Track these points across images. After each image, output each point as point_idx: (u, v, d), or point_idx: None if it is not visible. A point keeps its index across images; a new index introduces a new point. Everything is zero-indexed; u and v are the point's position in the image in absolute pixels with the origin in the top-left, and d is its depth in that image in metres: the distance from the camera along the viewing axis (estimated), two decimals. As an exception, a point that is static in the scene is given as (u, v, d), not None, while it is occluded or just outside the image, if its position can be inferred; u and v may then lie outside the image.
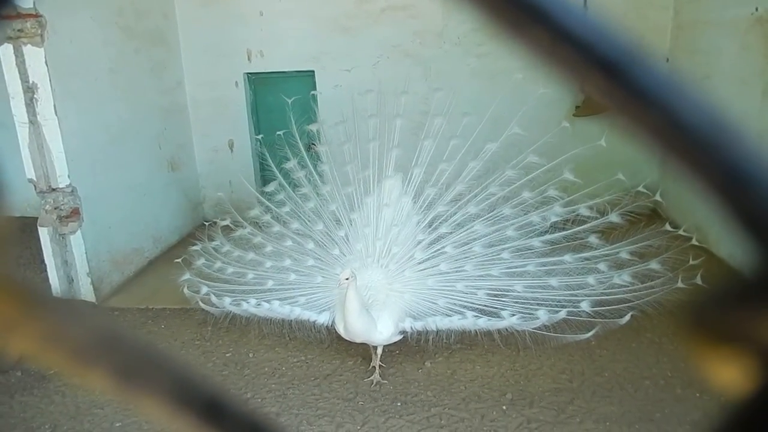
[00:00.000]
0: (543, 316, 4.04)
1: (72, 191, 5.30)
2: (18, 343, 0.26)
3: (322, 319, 4.21)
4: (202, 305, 4.70)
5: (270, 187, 5.24)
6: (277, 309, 4.25)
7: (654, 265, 4.19)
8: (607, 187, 4.46)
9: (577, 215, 4.49)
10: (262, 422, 0.30)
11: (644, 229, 4.30)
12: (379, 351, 4.17)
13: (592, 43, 0.21)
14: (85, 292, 5.51)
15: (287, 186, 5.11)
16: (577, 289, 4.24)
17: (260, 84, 7.62)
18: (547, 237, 4.45)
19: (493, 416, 3.75)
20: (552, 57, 0.21)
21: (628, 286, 4.19)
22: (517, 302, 4.19)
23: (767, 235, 0.20)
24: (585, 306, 4.12)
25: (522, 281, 4.30)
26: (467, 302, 4.21)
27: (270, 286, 4.57)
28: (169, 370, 0.29)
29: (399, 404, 3.93)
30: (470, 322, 4.06)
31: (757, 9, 5.02)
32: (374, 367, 4.18)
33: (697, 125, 0.23)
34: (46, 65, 4.99)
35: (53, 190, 5.25)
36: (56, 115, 5.10)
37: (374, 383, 4.11)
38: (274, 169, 5.28)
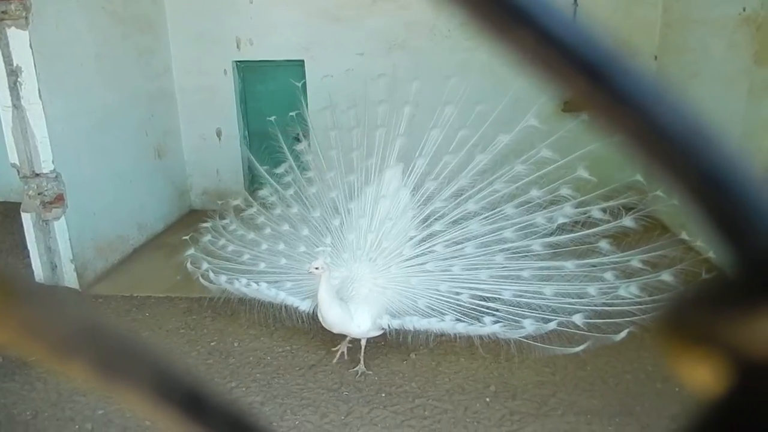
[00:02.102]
0: (529, 326, 3.84)
1: (56, 177, 5.24)
2: (-3, 334, 0.26)
3: (305, 306, 4.19)
4: (202, 281, 4.68)
5: (280, 169, 5.22)
6: (264, 291, 4.25)
7: (666, 276, 3.90)
8: (624, 188, 4.14)
9: (589, 217, 4.17)
10: (242, 414, 0.30)
11: (659, 237, 3.96)
12: (363, 342, 4.18)
13: (575, 46, 0.21)
14: (69, 278, 5.46)
15: (296, 168, 5.06)
16: (576, 299, 3.98)
17: (249, 72, 7.56)
18: (552, 239, 4.18)
19: (476, 408, 3.78)
20: (535, 59, 0.21)
21: (633, 299, 3.87)
22: (503, 309, 4.00)
23: (740, 240, 0.20)
24: (578, 319, 3.85)
25: (512, 287, 4.08)
26: (449, 305, 4.08)
27: (261, 268, 4.57)
28: (151, 361, 0.29)
29: (383, 395, 3.95)
30: (449, 325, 3.94)
31: (744, 9, 5.07)
32: (359, 358, 4.20)
33: (676, 129, 0.23)
34: (31, 48, 4.91)
35: (37, 175, 5.19)
36: (40, 99, 5.02)
37: (359, 374, 4.13)
38: (286, 151, 5.21)
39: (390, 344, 4.42)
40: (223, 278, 4.51)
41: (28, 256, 5.44)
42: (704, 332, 0.20)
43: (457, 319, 3.96)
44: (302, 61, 7.30)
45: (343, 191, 4.64)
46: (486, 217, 4.31)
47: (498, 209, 4.31)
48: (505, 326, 3.88)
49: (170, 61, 7.40)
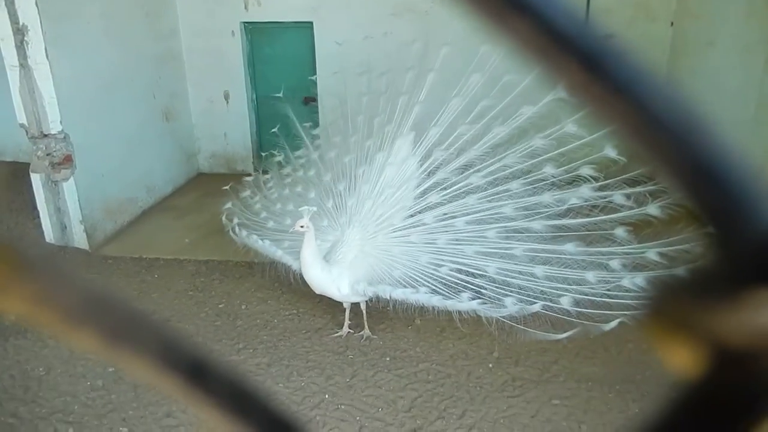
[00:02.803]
0: (511, 305, 3.68)
1: (64, 137, 5.25)
2: (7, 305, 0.27)
3: (296, 266, 4.18)
4: (231, 234, 4.68)
5: (317, 130, 5.19)
6: (267, 247, 4.28)
7: (681, 272, 3.61)
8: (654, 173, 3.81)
9: (609, 202, 3.86)
10: (245, 382, 0.31)
11: (684, 228, 3.50)
12: (363, 307, 4.21)
13: (571, 36, 0.21)
14: (78, 239, 5.52)
15: (327, 132, 5.01)
16: (572, 284, 3.76)
17: (257, 34, 7.47)
18: (560, 222, 3.91)
19: (479, 373, 3.85)
20: (531, 48, 0.21)
21: (637, 292, 3.61)
22: (488, 287, 3.83)
23: (729, 231, 0.21)
24: (566, 302, 3.65)
25: (498, 264, 3.88)
26: (426, 277, 3.94)
27: (270, 226, 4.61)
28: (156, 330, 0.30)
29: (388, 359, 4.02)
30: (423, 297, 3.80)
31: (765, -25, 4.92)
32: (363, 323, 4.25)
33: (669, 120, 0.23)
34: (37, 7, 4.86)
35: (45, 135, 5.20)
36: (47, 59, 5.00)
37: (365, 338, 4.20)
38: (299, 128, 5.13)
39: (395, 310, 4.47)
40: (244, 232, 4.51)
41: (38, 217, 5.51)
42: (685, 318, 0.20)
43: (434, 292, 3.84)
44: (311, 23, 7.19)
45: (357, 156, 4.57)
46: (487, 192, 4.10)
47: (503, 186, 4.09)
48: (484, 303, 3.73)
49: (177, 22, 7.31)
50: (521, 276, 3.84)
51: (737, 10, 5.34)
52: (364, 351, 4.10)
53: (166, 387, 0.30)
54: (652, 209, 3.71)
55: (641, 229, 3.74)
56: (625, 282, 3.68)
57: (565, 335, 3.62)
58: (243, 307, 4.66)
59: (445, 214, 4.13)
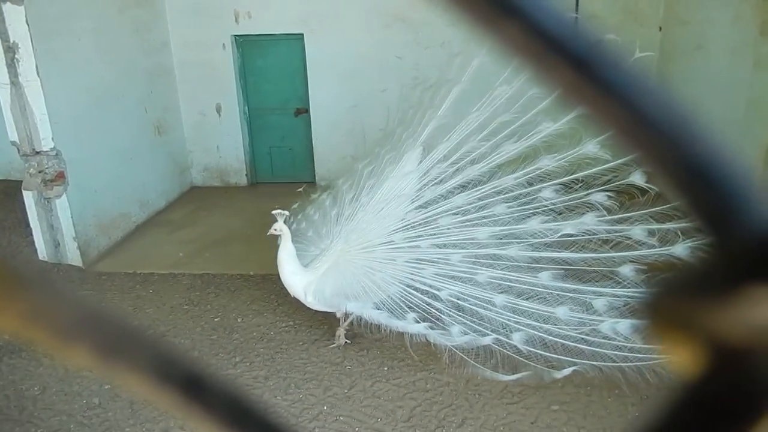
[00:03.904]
0: (457, 335, 3.47)
1: (56, 154, 5.24)
2: (1, 324, 0.27)
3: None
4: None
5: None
6: None
7: (678, 272, 3.21)
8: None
9: (627, 237, 3.33)
10: (241, 396, 0.31)
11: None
12: (341, 317, 4.15)
13: (561, 39, 0.21)
14: (72, 256, 5.49)
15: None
16: (537, 321, 3.40)
17: (248, 47, 7.49)
18: (555, 254, 3.52)
19: (477, 381, 3.83)
20: (523, 52, 0.22)
21: (617, 340, 3.20)
22: (443, 310, 3.62)
23: (721, 230, 0.21)
24: (517, 339, 3.36)
25: (456, 287, 3.63)
26: (377, 293, 3.81)
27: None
28: (150, 345, 0.30)
29: (386, 368, 4.00)
30: (373, 314, 3.72)
31: (751, -21, 4.99)
32: (342, 328, 4.18)
33: (662, 122, 0.23)
34: (27, 24, 4.86)
35: (37, 153, 5.18)
36: (38, 75, 4.99)
37: (334, 344, 4.18)
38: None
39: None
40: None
41: (31, 234, 5.48)
42: (682, 317, 0.20)
43: (377, 308, 3.74)
44: (302, 35, 7.23)
45: (374, 167, 4.32)
46: (466, 217, 3.78)
47: (488, 210, 3.74)
48: (432, 328, 3.55)
49: (168, 36, 7.33)
50: (483, 304, 3.57)
51: (724, 15, 5.40)
52: (361, 361, 4.09)
53: (162, 402, 0.30)
54: (680, 249, 3.17)
55: (658, 269, 3.23)
56: (604, 327, 3.27)
57: (510, 377, 3.41)
58: (239, 320, 4.63)
59: (414, 235, 3.89)
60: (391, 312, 3.74)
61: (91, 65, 5.72)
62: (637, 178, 3.28)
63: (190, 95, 7.59)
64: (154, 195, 6.86)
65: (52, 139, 5.18)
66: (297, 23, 7.16)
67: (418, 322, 3.61)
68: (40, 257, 5.45)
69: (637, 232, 3.32)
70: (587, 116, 0.24)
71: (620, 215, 3.37)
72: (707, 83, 5.56)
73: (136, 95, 6.55)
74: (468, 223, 3.79)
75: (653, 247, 3.26)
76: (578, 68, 0.22)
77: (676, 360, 0.21)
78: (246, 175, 7.92)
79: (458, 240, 3.79)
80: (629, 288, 3.30)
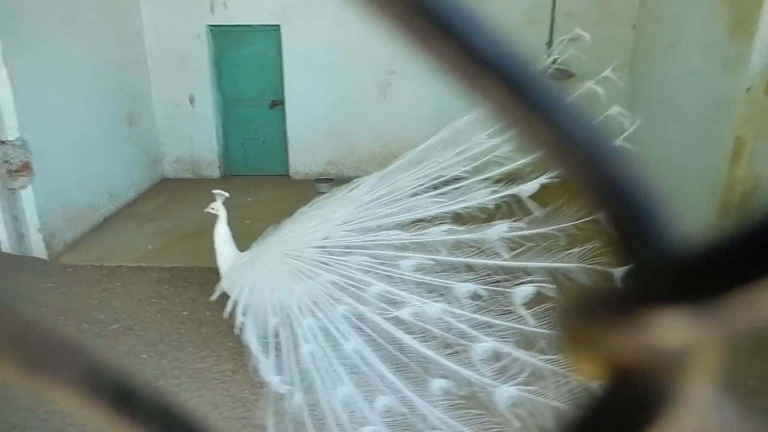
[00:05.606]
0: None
1: (22, 144, 5.11)
2: None
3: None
4: None
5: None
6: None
7: (590, 290, 2.19)
8: None
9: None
10: (173, 408, 0.31)
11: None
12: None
13: (494, 60, 0.22)
14: (36, 248, 5.37)
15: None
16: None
17: (223, 37, 7.40)
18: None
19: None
20: (457, 71, 0.22)
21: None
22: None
23: (633, 250, 0.21)
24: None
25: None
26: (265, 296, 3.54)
27: None
28: (80, 359, 0.30)
29: (355, 364, 4.01)
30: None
31: (721, -19, 5.10)
32: None
33: (582, 141, 0.24)
34: (-8, 10, 4.73)
35: (2, 143, 5.05)
36: (5, 64, 4.86)
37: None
38: None
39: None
40: None
41: (-6, 225, 5.34)
42: (590, 334, 0.21)
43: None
44: (278, 26, 7.17)
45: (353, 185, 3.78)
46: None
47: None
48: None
49: (142, 26, 7.20)
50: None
51: (697, 13, 5.51)
52: (332, 357, 4.08)
53: (92, 415, 0.30)
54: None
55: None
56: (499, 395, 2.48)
57: None
58: (207, 313, 4.59)
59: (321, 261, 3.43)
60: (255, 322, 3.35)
61: (61, 54, 5.59)
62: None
63: (164, 85, 7.47)
64: (123, 186, 6.75)
65: (18, 128, 5.05)
66: (274, 14, 7.10)
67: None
68: (3, 249, 5.32)
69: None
70: (517, 135, 0.24)
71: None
72: (679, 81, 5.69)
73: (106, 85, 6.42)
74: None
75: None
76: (509, 89, 0.23)
77: (587, 374, 0.22)
78: (219, 167, 7.83)
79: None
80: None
